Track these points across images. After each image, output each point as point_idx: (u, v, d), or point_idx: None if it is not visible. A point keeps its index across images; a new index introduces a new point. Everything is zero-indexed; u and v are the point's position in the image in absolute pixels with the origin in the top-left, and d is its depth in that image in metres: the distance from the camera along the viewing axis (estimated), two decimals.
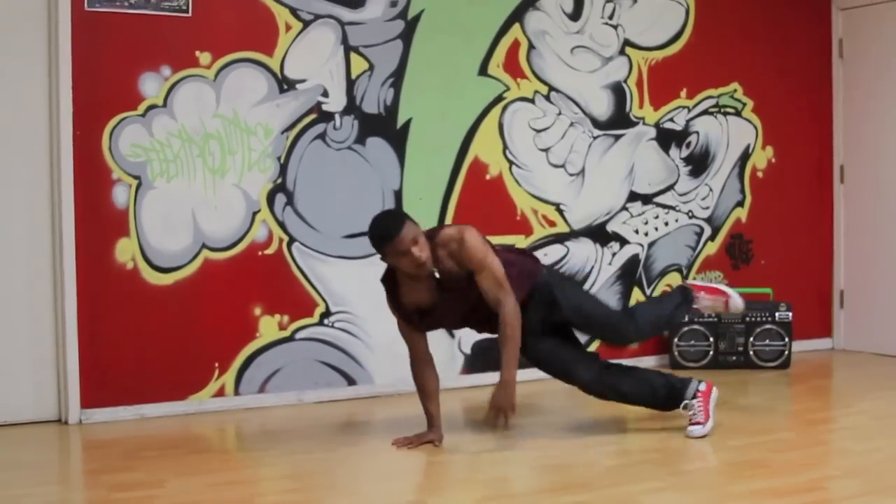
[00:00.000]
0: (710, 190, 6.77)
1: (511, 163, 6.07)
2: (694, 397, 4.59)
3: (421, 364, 4.53)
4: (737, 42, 6.81)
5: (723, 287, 5.00)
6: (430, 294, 4.40)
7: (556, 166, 6.16)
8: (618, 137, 6.41)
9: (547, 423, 4.69)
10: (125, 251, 5.14)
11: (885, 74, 6.84)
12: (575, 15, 6.23)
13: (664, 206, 6.59)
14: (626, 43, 6.42)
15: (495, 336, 4.37)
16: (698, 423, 4.54)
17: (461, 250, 4.28)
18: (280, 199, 5.47)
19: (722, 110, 6.80)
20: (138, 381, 5.17)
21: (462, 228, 4.35)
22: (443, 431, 4.49)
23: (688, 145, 6.67)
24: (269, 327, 5.47)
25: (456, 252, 4.29)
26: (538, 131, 6.16)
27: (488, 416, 4.34)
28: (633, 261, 6.51)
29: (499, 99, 6.04)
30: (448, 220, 5.86)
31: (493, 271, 4.31)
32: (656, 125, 6.54)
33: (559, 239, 6.19)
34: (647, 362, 6.51)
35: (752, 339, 6.37)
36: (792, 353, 6.40)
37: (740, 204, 6.89)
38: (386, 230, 4.25)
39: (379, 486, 3.92)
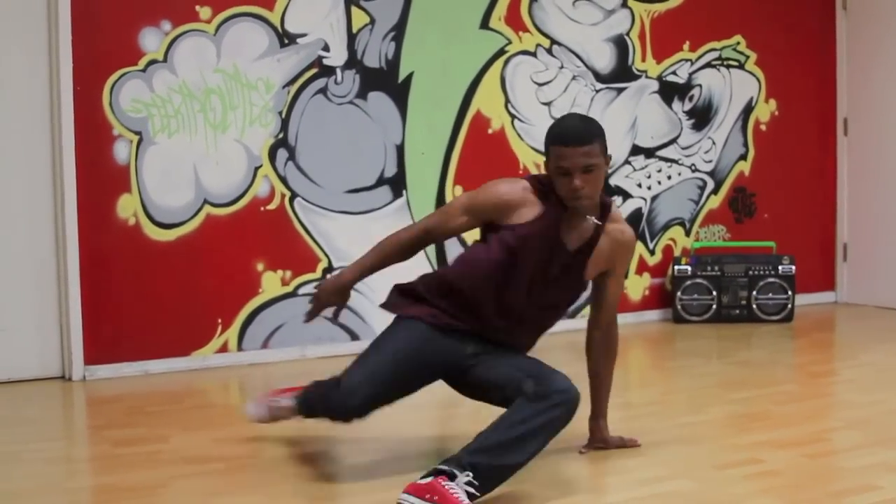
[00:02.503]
0: (713, 143, 6.75)
1: (513, 117, 6.04)
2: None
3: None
4: None
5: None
6: (545, 230, 3.34)
7: None
8: (620, 91, 6.38)
9: None
10: (127, 207, 5.13)
11: (890, 26, 6.80)
12: None
13: (667, 160, 6.58)
14: None
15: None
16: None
17: (624, 246, 3.51)
18: (282, 154, 5.45)
19: (725, 63, 6.76)
20: (141, 337, 5.18)
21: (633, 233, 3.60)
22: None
23: (690, 98, 6.64)
24: (271, 283, 5.47)
25: (617, 240, 3.47)
26: (540, 85, 6.13)
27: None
28: (636, 215, 6.49)
29: (501, 52, 6.00)
30: (451, 175, 5.84)
31: (623, 284, 3.75)
32: (659, 78, 6.51)
33: None
34: (650, 316, 6.54)
35: (755, 292, 6.38)
36: (795, 306, 6.41)
37: (743, 157, 6.87)
38: (596, 126, 3.33)
39: (383, 437, 3.93)
